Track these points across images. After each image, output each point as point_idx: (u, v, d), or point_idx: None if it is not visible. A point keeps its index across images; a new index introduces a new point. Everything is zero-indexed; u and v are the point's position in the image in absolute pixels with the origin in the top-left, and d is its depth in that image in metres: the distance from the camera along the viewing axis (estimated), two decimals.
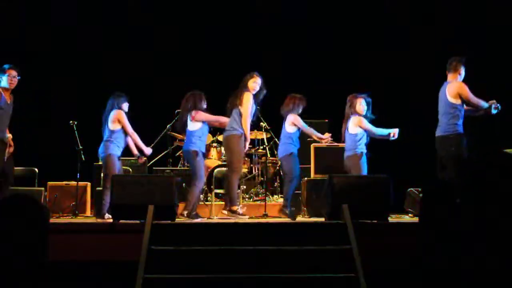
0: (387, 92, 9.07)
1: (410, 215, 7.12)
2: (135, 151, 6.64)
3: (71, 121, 7.16)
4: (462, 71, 5.98)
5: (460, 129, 5.84)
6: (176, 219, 5.58)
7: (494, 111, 5.93)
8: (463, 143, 5.81)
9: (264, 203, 7.40)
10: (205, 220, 6.49)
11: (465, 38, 8.78)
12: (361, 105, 6.49)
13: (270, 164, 8.32)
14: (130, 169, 7.75)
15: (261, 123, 8.23)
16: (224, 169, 7.99)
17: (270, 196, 8.03)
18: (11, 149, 5.87)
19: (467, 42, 8.56)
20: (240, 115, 6.44)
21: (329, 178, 5.57)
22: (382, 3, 9.35)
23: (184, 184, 7.63)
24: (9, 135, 5.86)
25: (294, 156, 6.65)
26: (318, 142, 7.08)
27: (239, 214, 6.45)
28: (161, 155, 8.54)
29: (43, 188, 7.61)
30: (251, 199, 8.13)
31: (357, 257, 4.66)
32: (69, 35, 9.22)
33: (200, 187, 6.55)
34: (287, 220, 6.39)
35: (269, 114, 7.78)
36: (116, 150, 6.35)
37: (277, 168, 8.28)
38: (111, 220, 5.64)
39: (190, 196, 6.42)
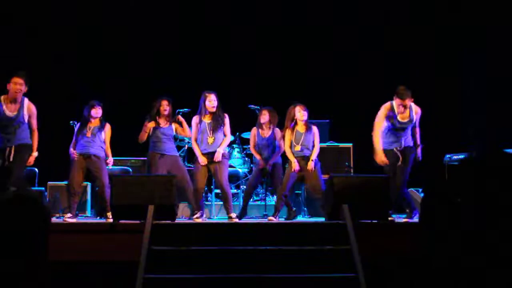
0: (387, 92, 9.05)
1: None
2: None
3: (71, 121, 7.16)
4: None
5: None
6: (176, 219, 5.58)
7: None
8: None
9: (264, 203, 7.41)
10: (205, 220, 6.49)
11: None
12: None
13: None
14: (130, 169, 7.74)
15: None
16: None
17: (270, 196, 8.02)
18: None
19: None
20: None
21: (329, 178, 5.57)
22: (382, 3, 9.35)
23: None
24: None
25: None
26: None
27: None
28: None
29: (43, 188, 7.60)
30: (251, 199, 8.11)
31: (357, 257, 4.66)
32: (69, 35, 9.22)
33: None
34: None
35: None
36: None
37: None
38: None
39: None
